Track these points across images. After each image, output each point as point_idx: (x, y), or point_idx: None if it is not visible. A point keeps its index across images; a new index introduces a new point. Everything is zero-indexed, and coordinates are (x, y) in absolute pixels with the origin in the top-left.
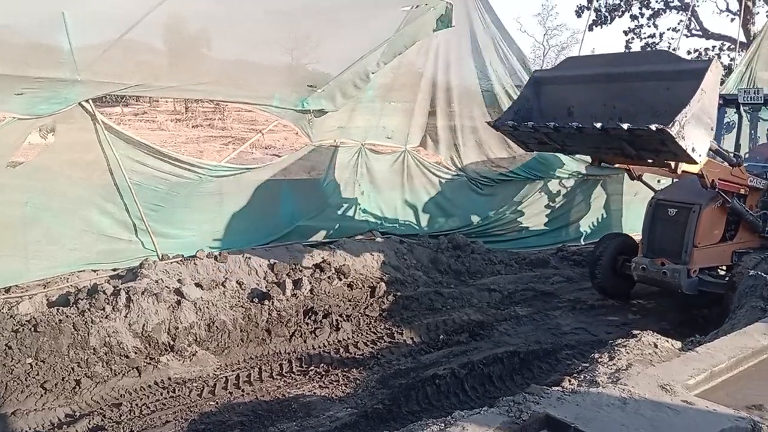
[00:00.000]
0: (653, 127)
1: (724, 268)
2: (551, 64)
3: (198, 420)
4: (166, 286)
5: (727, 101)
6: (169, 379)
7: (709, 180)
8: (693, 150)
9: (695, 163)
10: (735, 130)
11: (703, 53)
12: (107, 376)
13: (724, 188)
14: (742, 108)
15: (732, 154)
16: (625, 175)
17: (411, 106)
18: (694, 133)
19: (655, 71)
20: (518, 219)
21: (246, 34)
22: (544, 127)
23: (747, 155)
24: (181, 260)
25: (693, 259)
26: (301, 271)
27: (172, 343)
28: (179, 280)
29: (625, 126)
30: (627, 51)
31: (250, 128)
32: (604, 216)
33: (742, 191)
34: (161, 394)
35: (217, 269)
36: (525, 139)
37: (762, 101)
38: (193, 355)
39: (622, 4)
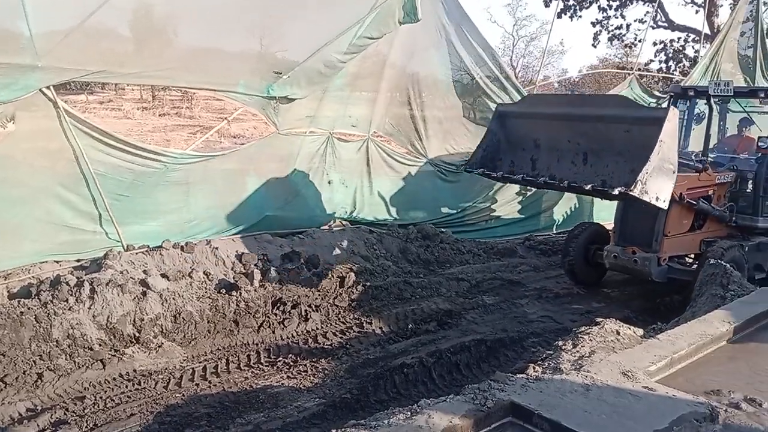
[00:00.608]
0: (616, 191)
1: (692, 256)
2: (521, 54)
3: (164, 412)
4: (131, 277)
5: (697, 93)
6: (135, 371)
7: (676, 195)
8: (657, 199)
9: (661, 209)
10: (705, 122)
11: (669, 44)
12: (70, 368)
13: (693, 197)
14: (712, 100)
15: (697, 160)
16: None
17: (376, 95)
18: (657, 183)
19: (616, 115)
20: (488, 209)
21: (215, 21)
22: (513, 180)
23: (716, 146)
24: (146, 251)
25: (663, 248)
26: (269, 261)
27: (137, 334)
28: (145, 271)
29: (588, 187)
30: (587, 94)
31: (219, 117)
32: (576, 206)
33: (710, 192)
34: (126, 386)
35: (184, 260)
36: (496, 180)
37: (731, 93)
38: (159, 346)
39: None
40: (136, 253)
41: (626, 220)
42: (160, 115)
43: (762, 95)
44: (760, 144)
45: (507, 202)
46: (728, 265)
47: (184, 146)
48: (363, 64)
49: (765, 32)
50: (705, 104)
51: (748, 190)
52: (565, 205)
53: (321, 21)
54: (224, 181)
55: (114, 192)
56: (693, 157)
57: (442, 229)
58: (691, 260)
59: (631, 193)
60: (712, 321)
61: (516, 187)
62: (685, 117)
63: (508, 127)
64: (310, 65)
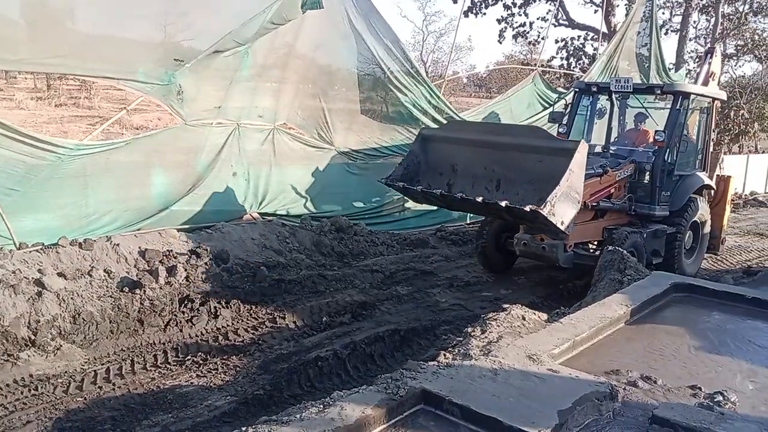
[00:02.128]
0: (527, 208)
1: (595, 243)
2: (431, 49)
3: (64, 418)
4: (25, 277)
5: (600, 89)
6: (31, 376)
7: (582, 203)
8: (562, 223)
9: (565, 234)
10: (606, 117)
11: (569, 42)
12: None
13: (595, 200)
14: (613, 96)
15: (598, 165)
16: None
17: (284, 86)
18: (563, 208)
19: (531, 145)
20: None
21: (115, 8)
22: (431, 193)
23: (616, 139)
24: (41, 248)
25: (568, 236)
26: (175, 257)
27: (32, 337)
28: (40, 270)
29: (503, 203)
30: (506, 123)
31: (120, 107)
32: None
33: (612, 190)
34: (21, 392)
35: (82, 257)
36: (414, 195)
37: (631, 90)
38: (58, 349)
39: None
40: (30, 252)
41: None
42: (56, 106)
43: (658, 91)
44: (657, 138)
45: None
46: (625, 252)
47: (82, 138)
48: (270, 55)
49: (658, 32)
50: (607, 100)
51: (645, 181)
52: None
53: (227, 9)
54: (126, 174)
55: (4, 186)
56: (594, 167)
57: (356, 222)
58: (594, 247)
59: (540, 211)
60: (611, 304)
61: None
62: (588, 112)
63: (429, 150)
64: (212, 53)
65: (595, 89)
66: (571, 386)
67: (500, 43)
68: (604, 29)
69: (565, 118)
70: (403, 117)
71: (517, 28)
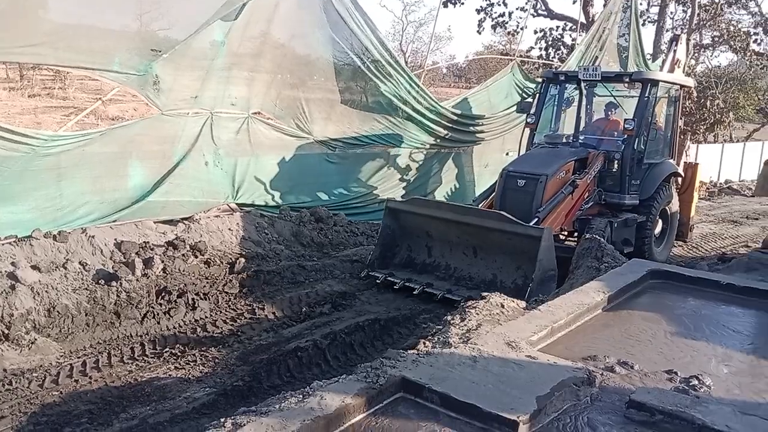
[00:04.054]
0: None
1: (565, 233)
2: (410, 39)
3: (39, 412)
4: None
5: (568, 78)
6: (5, 370)
7: (556, 228)
8: (543, 302)
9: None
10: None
11: (548, 33)
12: None
13: (573, 214)
14: (582, 84)
15: (569, 183)
16: (474, 147)
17: (260, 75)
18: (543, 288)
19: (496, 229)
20: (376, 191)
21: None
22: (400, 281)
23: (585, 128)
24: (14, 241)
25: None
26: (152, 249)
27: (6, 331)
28: (13, 263)
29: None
30: (466, 206)
31: (95, 98)
32: (458, 186)
33: (586, 194)
34: None
35: (57, 250)
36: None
37: (599, 78)
38: (32, 343)
39: None
40: (3, 244)
41: (505, 199)
42: (29, 96)
43: (627, 79)
44: (626, 126)
45: (395, 185)
46: (603, 240)
47: (57, 129)
48: (244, 44)
49: (638, 22)
50: (575, 89)
51: (614, 170)
52: (447, 186)
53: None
54: (101, 165)
55: None
56: (564, 188)
57: (336, 212)
58: (564, 236)
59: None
60: (589, 291)
61: (402, 171)
62: (556, 101)
63: (401, 219)
64: (190, 43)
65: (563, 78)
66: (550, 372)
67: (479, 33)
68: (583, 20)
69: (533, 108)
70: (383, 107)
71: (496, 18)
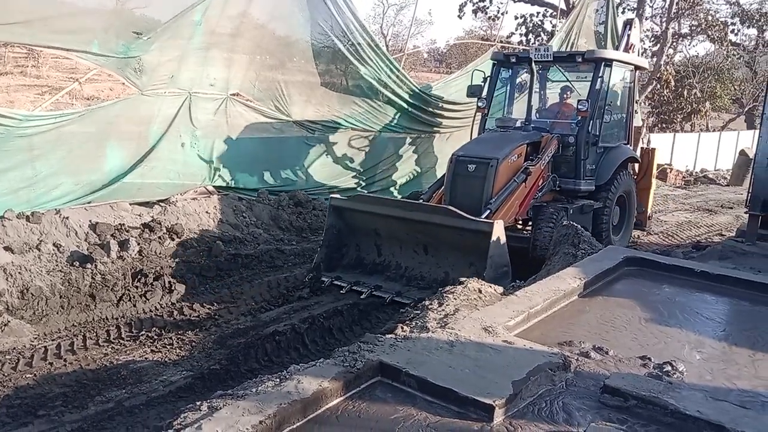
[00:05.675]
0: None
1: (520, 222)
2: (391, 22)
3: (12, 395)
4: None
5: (519, 59)
6: None
7: (509, 222)
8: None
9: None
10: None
11: (529, 18)
12: None
13: (527, 203)
14: (534, 66)
15: (522, 171)
16: (455, 133)
17: (239, 56)
18: (498, 282)
19: (445, 225)
20: (357, 174)
21: None
22: (347, 284)
23: (537, 114)
24: None
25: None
26: (128, 231)
27: None
28: None
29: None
30: (413, 201)
31: (70, 77)
32: (417, 172)
33: (541, 181)
34: None
35: (30, 231)
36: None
37: (551, 59)
38: (5, 325)
39: None
40: None
41: (456, 185)
42: (1, 74)
43: (579, 59)
44: (579, 107)
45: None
46: (580, 227)
47: (31, 108)
48: (222, 23)
49: (615, 10)
50: (526, 72)
51: (569, 155)
52: (427, 172)
53: None
54: (76, 145)
55: None
56: (516, 176)
57: (315, 196)
58: (521, 225)
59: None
60: (565, 277)
61: (360, 157)
62: (508, 85)
63: (347, 217)
64: (172, 25)
65: (514, 60)
66: (526, 357)
67: (460, 18)
68: (563, 6)
69: (485, 91)
70: (363, 90)
71: (477, 3)
